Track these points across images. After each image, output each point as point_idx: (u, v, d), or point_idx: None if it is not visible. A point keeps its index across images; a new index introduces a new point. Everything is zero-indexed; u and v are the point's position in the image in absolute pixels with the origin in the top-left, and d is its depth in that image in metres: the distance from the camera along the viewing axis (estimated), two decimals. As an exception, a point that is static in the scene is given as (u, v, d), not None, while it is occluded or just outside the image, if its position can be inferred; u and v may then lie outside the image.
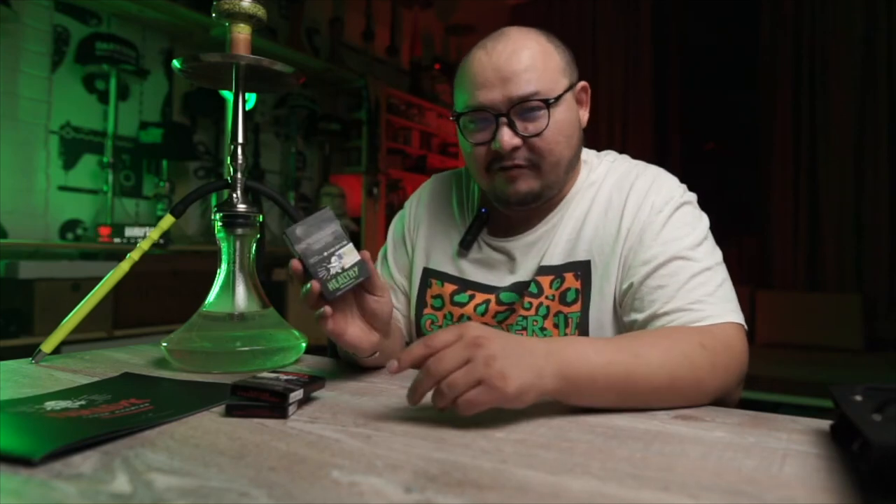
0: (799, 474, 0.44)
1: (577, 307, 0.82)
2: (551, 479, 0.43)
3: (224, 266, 0.86)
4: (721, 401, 0.67)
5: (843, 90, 3.61)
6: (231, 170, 0.89)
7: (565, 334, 0.82)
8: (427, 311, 0.93)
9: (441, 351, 0.55)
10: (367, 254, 0.69)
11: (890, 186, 3.48)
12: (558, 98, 0.79)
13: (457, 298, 0.90)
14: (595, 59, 4.40)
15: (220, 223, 0.86)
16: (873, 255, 3.52)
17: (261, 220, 0.89)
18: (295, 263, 0.67)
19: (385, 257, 1.01)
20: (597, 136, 4.25)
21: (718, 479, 0.43)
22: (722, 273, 0.76)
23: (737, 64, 4.16)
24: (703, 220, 0.82)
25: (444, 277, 0.92)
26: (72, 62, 2.56)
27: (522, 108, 0.78)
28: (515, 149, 0.79)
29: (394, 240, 1.01)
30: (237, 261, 0.86)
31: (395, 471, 0.44)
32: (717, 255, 0.78)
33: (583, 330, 0.81)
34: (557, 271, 0.84)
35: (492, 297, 0.87)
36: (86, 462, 0.45)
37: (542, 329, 0.84)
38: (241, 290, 0.86)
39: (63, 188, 2.54)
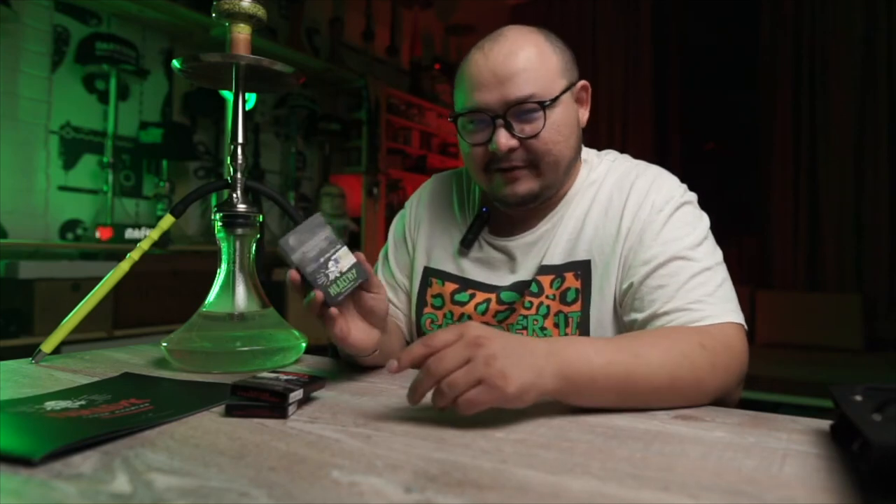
0: (799, 474, 0.44)
1: (577, 307, 0.82)
2: (551, 479, 0.43)
3: (224, 266, 0.86)
4: (721, 401, 0.67)
5: (843, 90, 3.61)
6: (231, 170, 0.89)
7: (565, 334, 0.82)
8: (427, 310, 0.93)
9: (441, 350, 0.55)
10: (361, 255, 0.69)
11: (890, 186, 3.48)
12: (555, 99, 0.79)
13: (457, 297, 0.90)
14: (595, 59, 4.40)
15: (220, 223, 0.86)
16: (873, 255, 3.52)
17: (261, 220, 0.89)
18: (293, 274, 0.66)
19: (386, 257, 1.01)
20: (597, 136, 4.25)
21: (718, 479, 0.43)
22: (722, 273, 0.76)
23: (737, 64, 4.17)
24: (704, 220, 0.82)
25: (444, 276, 0.93)
26: (72, 62, 2.56)
27: (518, 110, 0.78)
28: (512, 150, 0.80)
29: (394, 239, 1.02)
30: (237, 261, 0.86)
31: (395, 471, 0.44)
32: (718, 255, 0.78)
33: (583, 329, 0.81)
34: (558, 271, 0.84)
35: (492, 296, 0.87)
36: (86, 462, 0.45)
37: (543, 328, 0.84)
38: (241, 290, 0.86)
39: (63, 188, 2.54)
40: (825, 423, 0.56)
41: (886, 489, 0.40)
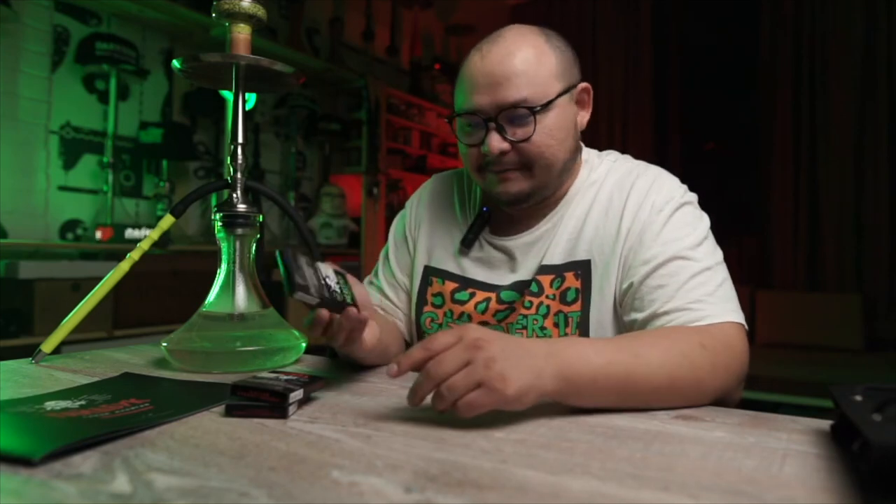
0: (799, 474, 0.44)
1: (577, 307, 0.82)
2: (551, 479, 0.43)
3: (224, 266, 0.86)
4: (721, 401, 0.67)
5: (843, 90, 3.61)
6: (231, 170, 0.89)
7: (565, 334, 0.82)
8: (427, 308, 0.93)
9: (441, 353, 0.55)
10: (330, 262, 0.71)
11: (890, 186, 3.48)
12: (549, 104, 0.79)
13: (457, 296, 0.90)
14: (595, 59, 4.40)
15: (220, 223, 0.86)
16: (873, 255, 3.52)
17: (261, 220, 0.89)
18: (323, 314, 0.64)
19: (387, 257, 1.02)
20: (597, 136, 4.25)
21: (718, 479, 0.43)
22: (722, 273, 0.76)
23: (737, 64, 4.16)
24: (704, 220, 0.82)
25: (444, 275, 0.93)
26: (72, 62, 2.55)
27: (510, 114, 0.79)
28: (504, 153, 0.80)
29: (395, 239, 1.02)
30: (237, 261, 0.87)
31: (395, 471, 0.44)
32: (718, 254, 0.79)
33: (583, 329, 0.81)
34: (558, 270, 0.84)
35: (492, 295, 0.88)
36: (86, 462, 0.45)
37: (543, 328, 0.84)
38: (241, 290, 0.86)
39: (63, 188, 2.54)
40: (825, 423, 0.56)
41: (886, 489, 0.40)
